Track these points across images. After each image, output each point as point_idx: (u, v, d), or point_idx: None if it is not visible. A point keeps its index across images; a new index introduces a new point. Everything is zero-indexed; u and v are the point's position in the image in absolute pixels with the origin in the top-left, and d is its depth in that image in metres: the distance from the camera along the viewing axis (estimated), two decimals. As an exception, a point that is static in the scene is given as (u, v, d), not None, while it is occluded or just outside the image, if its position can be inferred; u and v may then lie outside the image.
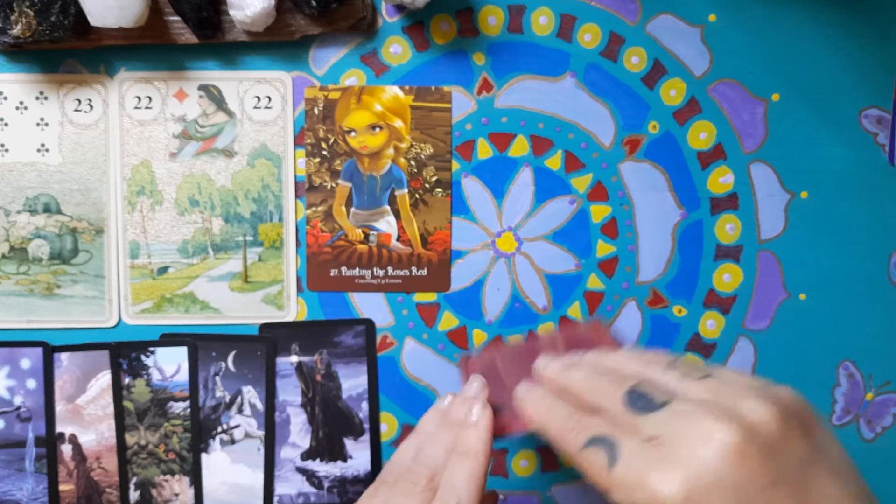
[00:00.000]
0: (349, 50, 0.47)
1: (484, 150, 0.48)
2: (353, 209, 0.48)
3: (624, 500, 0.31)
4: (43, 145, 0.46)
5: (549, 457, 0.49)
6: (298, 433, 0.48)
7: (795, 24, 0.48)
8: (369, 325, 0.48)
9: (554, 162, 0.48)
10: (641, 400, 0.32)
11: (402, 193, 0.47)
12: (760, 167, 0.48)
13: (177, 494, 0.48)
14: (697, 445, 0.29)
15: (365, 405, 0.48)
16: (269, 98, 0.47)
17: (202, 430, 0.48)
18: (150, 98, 0.46)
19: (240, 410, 0.48)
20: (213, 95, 0.46)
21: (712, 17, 0.47)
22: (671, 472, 0.29)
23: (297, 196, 0.47)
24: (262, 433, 0.48)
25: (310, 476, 0.48)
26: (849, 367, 0.49)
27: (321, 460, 0.48)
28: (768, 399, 0.31)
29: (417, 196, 0.48)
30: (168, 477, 0.48)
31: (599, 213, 0.48)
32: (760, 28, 0.47)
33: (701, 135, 0.48)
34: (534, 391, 0.38)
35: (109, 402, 0.47)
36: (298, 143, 0.47)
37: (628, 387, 0.33)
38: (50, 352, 0.47)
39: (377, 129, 0.47)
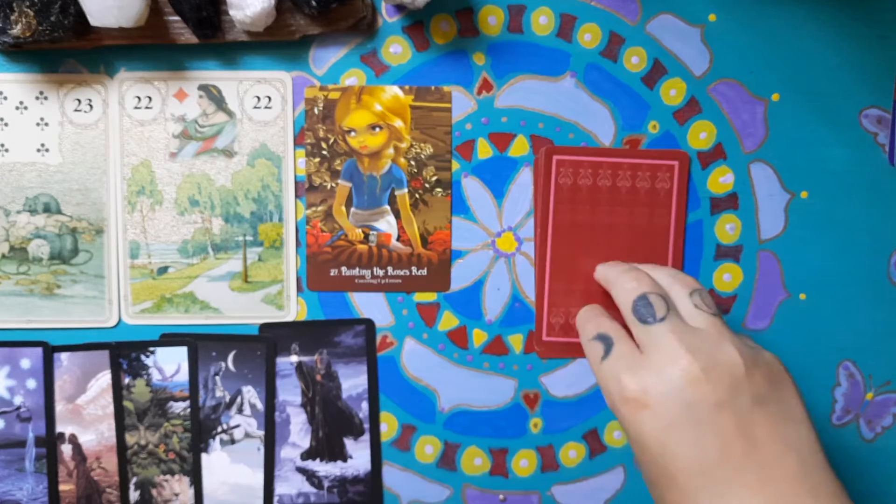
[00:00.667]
0: (349, 50, 0.47)
1: (484, 149, 0.48)
2: (353, 209, 0.48)
3: (603, 387, 0.38)
4: (43, 145, 0.46)
5: (548, 457, 0.49)
6: (298, 433, 0.48)
7: (795, 24, 0.48)
8: (369, 325, 0.48)
9: (554, 162, 0.48)
10: (646, 309, 0.38)
11: (402, 193, 0.47)
12: (760, 167, 0.48)
13: (177, 494, 0.48)
14: (666, 363, 0.36)
15: (365, 405, 0.48)
16: (269, 98, 0.47)
17: (202, 430, 0.48)
18: (150, 98, 0.46)
19: (240, 410, 0.48)
20: (213, 95, 0.46)
21: (712, 17, 0.47)
22: (639, 377, 0.36)
23: (297, 196, 0.47)
24: (262, 433, 0.48)
25: (310, 476, 0.48)
26: (849, 366, 0.49)
27: (321, 460, 0.48)
28: (746, 350, 0.37)
29: (417, 196, 0.48)
30: (168, 477, 0.48)
31: (599, 212, 0.48)
32: (760, 28, 0.47)
33: (701, 135, 0.48)
34: (587, 315, 0.43)
35: (109, 401, 0.47)
36: (298, 142, 0.47)
37: (640, 292, 0.39)
38: (50, 352, 0.47)
39: (377, 129, 0.47)
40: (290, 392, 0.48)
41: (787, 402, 0.36)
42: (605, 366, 0.38)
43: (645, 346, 0.38)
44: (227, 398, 0.48)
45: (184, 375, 0.47)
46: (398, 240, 0.48)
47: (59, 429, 0.47)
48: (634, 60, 0.47)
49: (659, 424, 0.36)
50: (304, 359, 0.48)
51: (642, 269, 0.41)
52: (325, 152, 0.47)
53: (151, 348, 0.47)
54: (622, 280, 0.40)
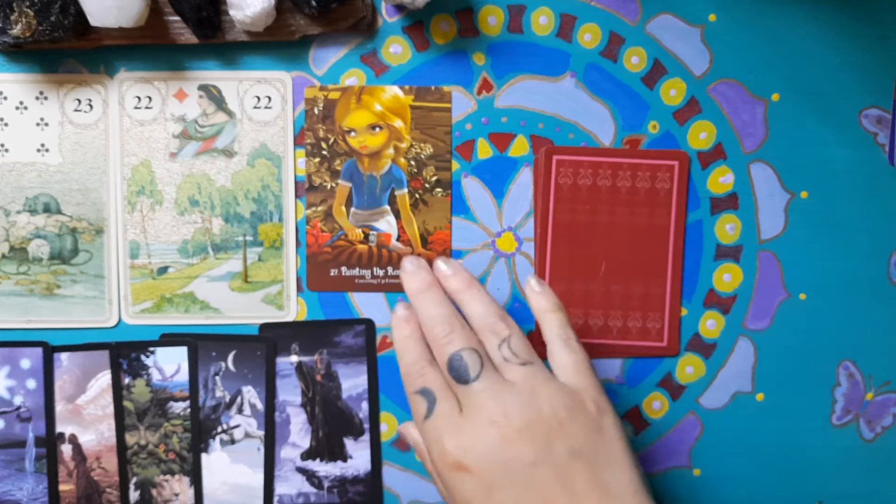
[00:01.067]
0: (349, 50, 0.47)
1: (484, 149, 0.48)
2: (353, 209, 0.48)
3: (427, 447, 0.38)
4: (43, 145, 0.46)
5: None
6: (298, 433, 0.48)
7: (795, 24, 0.48)
8: (369, 325, 0.48)
9: (554, 162, 0.48)
10: (459, 370, 0.38)
11: (402, 193, 0.47)
12: (760, 167, 0.48)
13: (177, 494, 0.48)
14: (482, 425, 0.37)
15: (365, 405, 0.48)
16: (269, 98, 0.47)
17: (202, 430, 0.48)
18: (150, 98, 0.46)
19: (240, 410, 0.48)
20: (213, 95, 0.46)
21: (712, 17, 0.47)
22: (459, 440, 0.37)
23: (297, 196, 0.47)
24: (262, 433, 0.48)
25: (310, 476, 0.48)
26: (849, 366, 0.49)
27: (321, 460, 0.48)
28: (560, 399, 0.37)
29: (417, 196, 0.48)
30: (168, 477, 0.48)
31: (599, 212, 0.48)
32: (760, 28, 0.47)
33: (701, 135, 0.48)
34: (400, 322, 0.41)
35: (109, 402, 0.47)
36: (298, 142, 0.47)
37: (453, 350, 0.39)
38: (50, 352, 0.47)
39: (377, 129, 0.47)
40: (290, 392, 0.48)
41: (606, 447, 0.37)
42: (428, 425, 0.38)
43: (463, 406, 0.38)
44: (227, 398, 0.48)
45: (184, 375, 0.47)
46: (398, 240, 0.48)
47: (59, 429, 0.47)
48: (634, 60, 0.47)
49: (480, 487, 0.36)
50: (304, 359, 0.48)
51: (457, 319, 0.40)
52: (325, 152, 0.47)
53: (151, 348, 0.47)
54: (436, 332, 0.40)
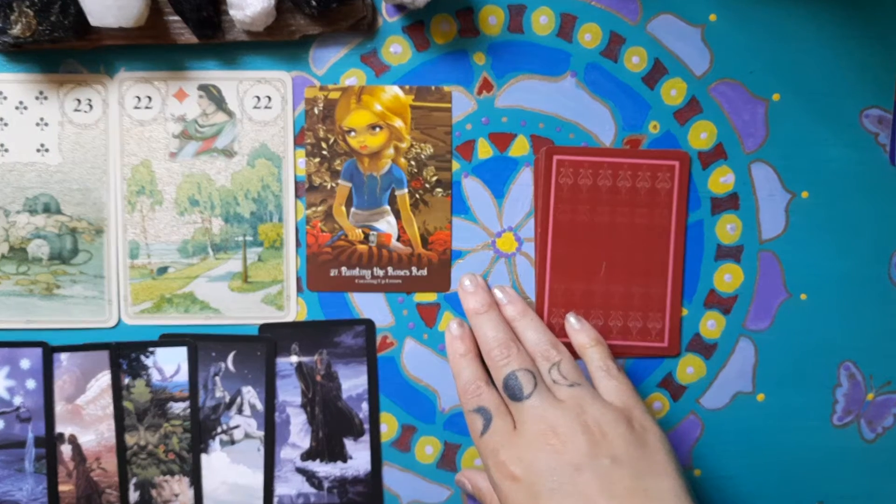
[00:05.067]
0: (349, 50, 0.47)
1: (484, 150, 0.48)
2: (353, 209, 0.47)
3: (483, 459, 0.42)
4: (43, 145, 0.46)
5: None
6: (298, 433, 0.48)
7: (795, 24, 0.48)
8: (369, 325, 0.48)
9: (554, 162, 0.48)
10: (514, 388, 0.42)
11: (403, 193, 0.47)
12: (761, 167, 0.48)
13: (177, 495, 0.48)
14: (533, 439, 0.40)
15: (365, 405, 0.48)
16: (269, 98, 0.47)
17: (202, 430, 0.48)
18: (150, 98, 0.46)
19: (240, 411, 0.48)
20: (213, 95, 0.46)
21: (712, 17, 0.47)
22: (512, 453, 0.40)
23: (297, 196, 0.47)
24: (261, 433, 0.48)
25: (310, 476, 0.48)
26: (849, 367, 0.49)
27: (321, 461, 0.48)
28: (604, 416, 0.40)
29: (417, 196, 0.48)
30: (168, 477, 0.48)
31: (600, 213, 0.48)
32: (760, 28, 0.47)
33: (701, 135, 0.48)
34: (455, 340, 0.45)
35: (109, 402, 0.47)
36: (298, 143, 0.47)
37: (509, 371, 0.42)
38: (49, 352, 0.47)
39: (377, 129, 0.47)
40: (290, 392, 0.48)
41: (649, 459, 0.39)
42: (485, 440, 0.41)
43: (517, 421, 0.41)
44: (227, 398, 0.48)
45: (184, 376, 0.47)
46: (398, 240, 0.48)
47: (58, 429, 0.47)
48: (635, 60, 0.47)
49: (529, 494, 0.39)
50: (304, 359, 0.48)
51: (514, 343, 0.44)
52: (325, 152, 0.47)
53: (151, 348, 0.47)
54: (494, 354, 0.43)
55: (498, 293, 0.46)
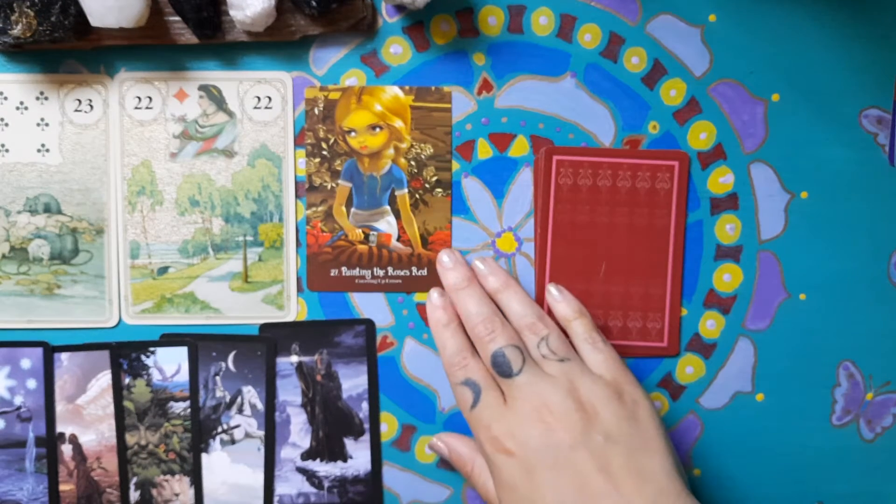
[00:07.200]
0: (349, 50, 0.47)
1: (484, 150, 0.48)
2: (353, 209, 0.48)
3: (475, 432, 0.42)
4: (43, 145, 0.46)
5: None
6: (298, 433, 0.48)
7: (795, 24, 0.48)
8: (369, 325, 0.48)
9: (554, 162, 0.48)
10: (503, 365, 0.41)
11: (403, 193, 0.47)
12: (760, 167, 0.48)
13: (177, 494, 0.48)
14: (525, 415, 0.40)
15: (365, 405, 0.48)
16: (270, 98, 0.47)
17: (202, 430, 0.48)
18: (150, 98, 0.46)
19: (240, 410, 0.48)
20: (214, 95, 0.46)
21: (712, 17, 0.47)
22: (505, 427, 0.40)
23: (297, 196, 0.47)
24: (262, 433, 0.48)
25: (310, 476, 0.48)
26: (849, 367, 0.49)
27: (321, 460, 0.48)
28: (595, 391, 0.40)
29: (417, 196, 0.48)
30: (168, 477, 0.48)
31: (599, 213, 0.48)
32: (760, 28, 0.47)
33: (701, 135, 0.48)
34: (436, 309, 0.45)
35: (109, 402, 0.47)
36: (298, 143, 0.47)
37: (496, 348, 0.42)
38: (50, 352, 0.47)
39: (377, 130, 0.47)
40: (290, 392, 0.48)
41: (640, 434, 0.40)
42: (475, 414, 0.41)
43: (507, 396, 0.41)
44: (228, 398, 0.48)
45: (184, 375, 0.47)
46: (398, 240, 0.48)
47: (59, 429, 0.47)
48: (634, 61, 0.48)
49: (523, 469, 0.39)
50: (305, 359, 0.48)
51: (498, 317, 0.43)
52: (325, 152, 0.47)
53: (151, 348, 0.47)
54: (479, 331, 0.43)
55: (479, 265, 0.46)
